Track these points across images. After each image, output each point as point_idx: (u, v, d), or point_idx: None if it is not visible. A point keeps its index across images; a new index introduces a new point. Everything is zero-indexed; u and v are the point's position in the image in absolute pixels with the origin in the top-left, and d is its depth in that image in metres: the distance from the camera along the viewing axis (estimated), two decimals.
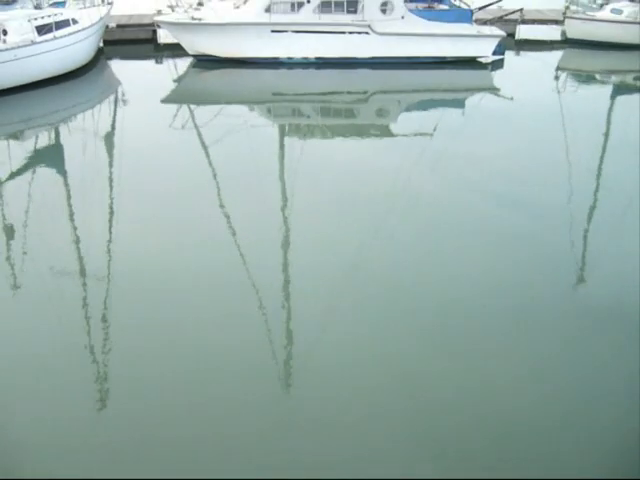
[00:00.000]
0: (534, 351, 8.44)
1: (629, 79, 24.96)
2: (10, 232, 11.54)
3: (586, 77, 25.00)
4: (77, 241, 11.17)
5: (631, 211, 12.42)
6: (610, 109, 20.59)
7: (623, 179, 14.13)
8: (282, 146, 16.39)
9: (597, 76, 25.40)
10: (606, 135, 17.44)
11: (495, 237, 11.35)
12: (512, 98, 20.53)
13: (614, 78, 25.22)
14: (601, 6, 28.61)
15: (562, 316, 9.16)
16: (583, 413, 7.45)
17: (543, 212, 12.28)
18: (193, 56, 23.23)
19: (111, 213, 12.20)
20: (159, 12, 23.62)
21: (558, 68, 25.12)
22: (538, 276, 10.15)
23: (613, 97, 22.53)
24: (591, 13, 27.61)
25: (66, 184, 13.89)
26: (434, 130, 17.28)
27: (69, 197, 13.08)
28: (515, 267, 10.39)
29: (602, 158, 15.63)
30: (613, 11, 26.95)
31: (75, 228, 11.67)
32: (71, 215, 12.21)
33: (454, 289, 9.73)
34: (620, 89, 23.66)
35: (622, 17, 26.46)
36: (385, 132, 17.85)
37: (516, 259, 10.62)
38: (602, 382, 7.94)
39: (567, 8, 28.01)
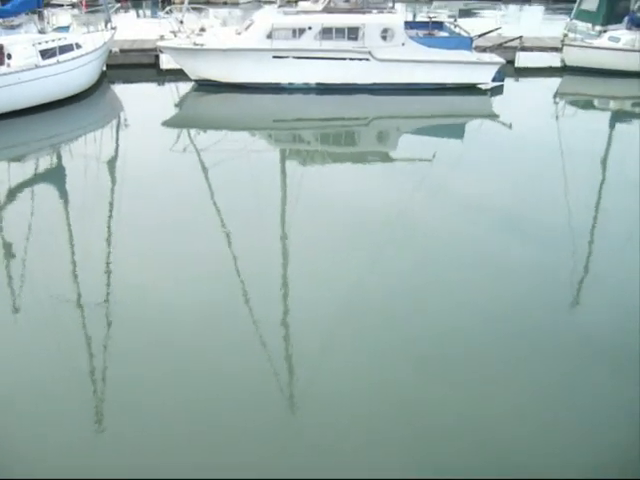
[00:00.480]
0: (533, 379, 8.52)
1: (627, 106, 25.15)
2: (9, 256, 11.59)
3: (584, 104, 25.19)
4: (76, 266, 11.23)
5: (630, 239, 12.51)
6: (609, 135, 20.74)
7: (622, 206, 14.20)
8: (282, 172, 16.49)
9: (595, 103, 25.58)
10: (604, 162, 17.56)
11: (494, 265, 11.42)
12: (511, 125, 20.67)
13: (612, 105, 25.41)
14: (599, 34, 28.86)
15: (561, 344, 9.25)
16: (583, 441, 7.51)
17: (542, 240, 12.35)
18: (195, 81, 23.39)
19: (111, 238, 12.26)
20: (162, 37, 23.76)
21: (557, 95, 25.30)
22: (536, 304, 10.22)
23: (611, 123, 22.69)
24: (589, 41, 27.82)
25: (66, 208, 13.97)
26: (433, 156, 17.40)
27: (69, 221, 13.16)
28: (513, 295, 10.47)
29: (601, 185, 15.74)
30: (611, 39, 27.17)
31: (75, 253, 11.73)
32: (71, 239, 12.28)
33: (452, 317, 9.80)
34: (618, 116, 23.82)
35: (620, 45, 26.67)
36: (385, 158, 17.97)
37: (514, 287, 10.71)
38: (602, 409, 8.01)
39: (565, 36, 28.23)
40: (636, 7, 27.87)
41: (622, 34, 27.06)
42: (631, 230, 12.85)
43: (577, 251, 12.01)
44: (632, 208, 13.90)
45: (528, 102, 23.93)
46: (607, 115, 24.22)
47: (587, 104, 25.22)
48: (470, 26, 26.42)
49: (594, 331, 9.57)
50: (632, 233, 12.69)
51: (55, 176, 16.27)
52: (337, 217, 13.17)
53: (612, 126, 22.35)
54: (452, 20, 25.80)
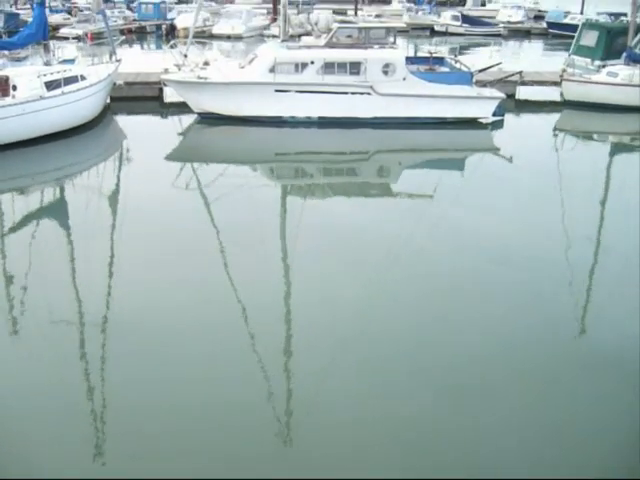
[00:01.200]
0: (539, 407, 8.60)
1: (626, 140, 25.38)
2: (12, 284, 11.70)
3: (584, 138, 25.43)
4: (78, 294, 11.34)
5: (630, 268, 12.61)
6: (607, 169, 20.92)
7: (621, 237, 14.35)
8: (284, 205, 16.60)
9: (594, 137, 25.84)
10: (604, 195, 17.67)
11: (496, 296, 11.54)
12: (511, 158, 20.83)
13: (611, 139, 25.67)
14: (598, 69, 29.19)
15: (565, 371, 9.34)
16: (588, 466, 7.60)
17: (543, 271, 12.44)
18: (198, 114, 23.61)
19: (112, 268, 12.34)
20: (166, 70, 24.05)
21: (556, 129, 25.54)
22: (540, 333, 10.34)
23: (610, 157, 22.90)
24: (588, 76, 28.13)
25: (69, 238, 14.09)
26: (434, 190, 17.51)
27: (71, 251, 13.29)
28: (516, 325, 10.58)
29: (601, 217, 15.87)
30: (609, 74, 27.46)
31: (76, 283, 11.79)
32: (72, 269, 12.35)
33: (455, 347, 9.89)
34: (617, 150, 24.06)
35: (618, 80, 26.96)
36: (386, 192, 18.09)
37: (517, 317, 10.83)
38: (606, 435, 8.11)
39: (564, 71, 28.57)
40: (633, 43, 28.21)
41: (620, 69, 27.38)
42: (631, 261, 12.93)
43: (579, 282, 12.11)
44: (631, 240, 13.98)
45: (528, 136, 24.14)
46: (606, 149, 24.45)
47: (586, 138, 25.46)
48: (471, 61, 26.80)
49: (597, 357, 9.72)
50: (632, 264, 12.76)
51: (58, 207, 16.38)
52: (338, 249, 13.24)
53: (611, 160, 22.55)
54: (453, 55, 26.08)
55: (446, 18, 61.31)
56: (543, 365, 9.53)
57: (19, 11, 49.19)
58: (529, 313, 10.96)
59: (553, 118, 26.79)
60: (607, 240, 14.37)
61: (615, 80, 27.00)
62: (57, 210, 16.17)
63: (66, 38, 40.52)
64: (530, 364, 9.55)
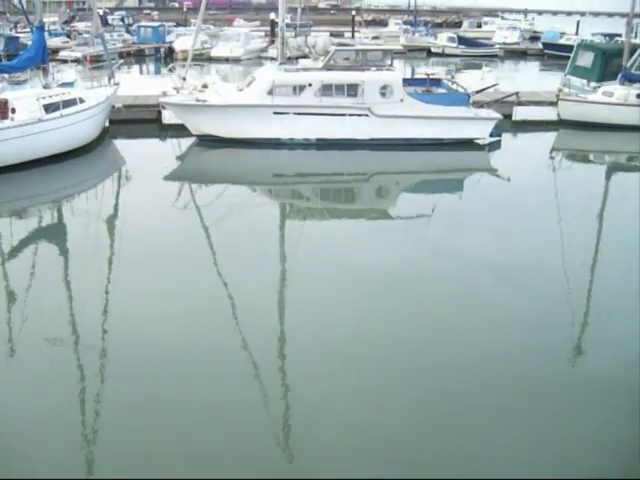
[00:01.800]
0: (534, 427, 8.59)
1: (622, 159, 25.54)
2: (9, 305, 11.74)
3: (580, 157, 25.59)
4: (76, 316, 11.44)
5: (627, 288, 12.63)
6: (604, 188, 21.04)
7: (619, 257, 14.38)
8: (282, 226, 16.64)
9: (591, 156, 26.00)
10: (602, 214, 17.74)
11: (494, 318, 11.57)
12: (509, 179, 20.90)
13: (607, 158, 25.81)
14: (594, 89, 29.41)
15: (560, 391, 9.38)
16: None
17: (542, 293, 12.46)
18: (196, 136, 23.69)
19: (110, 289, 12.38)
20: (164, 93, 24.18)
21: (553, 149, 25.68)
22: (536, 353, 10.37)
23: (607, 176, 23.05)
24: (583, 95, 28.34)
25: (67, 260, 14.16)
26: (433, 211, 17.58)
27: (69, 273, 13.33)
28: (514, 347, 10.58)
29: (599, 238, 15.91)
30: (605, 93, 27.69)
31: (74, 303, 11.92)
32: (70, 290, 12.46)
33: (453, 369, 9.92)
34: (613, 168, 24.19)
35: (613, 99, 27.17)
36: (384, 213, 18.13)
37: (515, 339, 10.83)
38: (601, 456, 8.12)
39: (560, 91, 28.78)
40: (629, 64, 28.44)
41: (615, 89, 27.61)
42: (629, 281, 12.97)
43: (576, 303, 12.13)
44: (629, 259, 14.05)
45: (525, 156, 24.28)
46: (603, 168, 24.58)
47: (583, 157, 25.62)
48: (467, 82, 26.96)
49: (593, 378, 9.75)
50: (630, 284, 12.80)
51: (56, 229, 16.44)
52: (337, 270, 13.27)
53: (608, 179, 22.69)
54: (450, 77, 26.23)
55: (442, 40, 61.78)
56: (540, 383, 9.55)
57: (19, 34, 49.54)
58: (527, 332, 10.98)
59: (550, 138, 26.94)
60: (605, 259, 14.37)
61: (611, 100, 27.22)
62: (55, 232, 16.22)
63: (65, 61, 40.73)
64: (528, 382, 9.56)
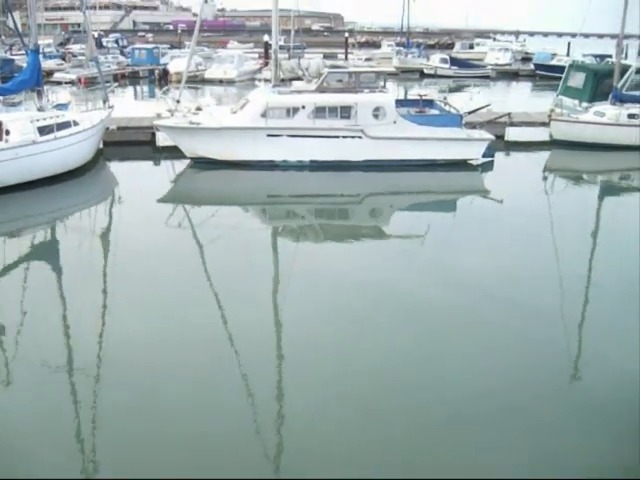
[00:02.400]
0: (531, 450, 8.54)
1: (615, 178, 25.67)
2: (2, 327, 11.72)
3: (573, 177, 25.65)
4: (69, 336, 11.45)
5: (623, 310, 12.62)
6: (597, 208, 21.14)
7: (614, 278, 14.38)
8: (276, 248, 16.67)
9: (583, 176, 26.09)
10: (595, 234, 17.81)
11: (487, 338, 11.55)
12: (502, 199, 20.97)
13: (600, 177, 25.93)
14: (585, 109, 29.65)
15: (558, 414, 9.32)
16: None
17: (537, 314, 12.45)
18: (190, 158, 23.74)
19: (104, 312, 12.41)
20: (158, 116, 24.28)
21: (546, 169, 25.78)
22: (533, 375, 10.35)
23: (600, 196, 23.14)
24: (575, 115, 28.57)
25: (60, 282, 14.14)
26: (426, 232, 17.61)
27: (62, 294, 13.36)
28: (509, 368, 10.58)
29: (593, 258, 15.94)
30: (596, 113, 27.94)
31: (68, 323, 11.96)
32: (65, 310, 12.53)
33: (448, 389, 9.88)
34: (606, 188, 24.30)
35: (605, 119, 27.41)
36: (378, 234, 18.16)
37: (509, 359, 10.83)
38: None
39: (552, 111, 29.01)
40: (620, 84, 28.72)
41: (607, 109, 27.87)
42: (625, 303, 12.93)
43: (571, 324, 12.13)
44: (624, 280, 14.06)
45: (518, 177, 24.40)
46: (595, 188, 24.69)
47: (575, 177, 25.71)
48: (460, 103, 27.14)
49: (591, 400, 9.72)
50: (626, 306, 12.76)
51: (50, 251, 16.41)
52: (330, 292, 13.28)
53: (601, 198, 22.78)
54: (442, 98, 26.41)
55: (435, 61, 62.35)
56: (536, 407, 9.50)
57: (14, 57, 49.77)
58: (521, 355, 10.95)
59: (542, 158, 27.10)
60: (600, 280, 14.38)
61: (602, 120, 27.45)
62: (49, 253, 16.20)
63: (59, 83, 40.92)
64: (523, 406, 9.51)
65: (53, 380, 10.06)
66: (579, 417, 9.32)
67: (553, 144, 27.95)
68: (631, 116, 27.17)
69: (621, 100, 28.27)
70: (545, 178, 24.77)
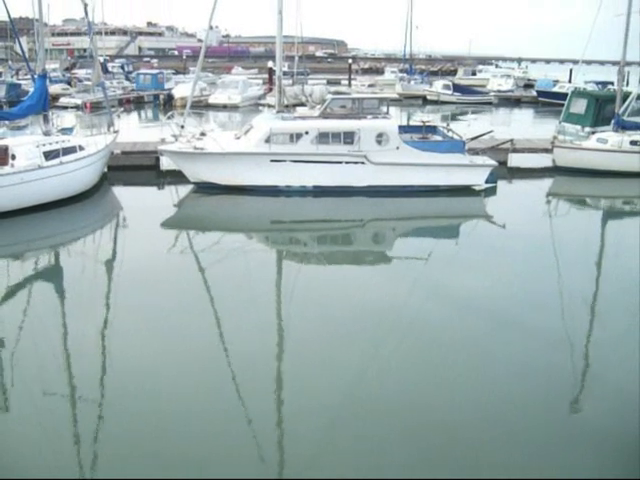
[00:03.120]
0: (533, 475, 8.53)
1: (618, 205, 25.69)
2: (5, 351, 11.75)
3: (576, 203, 25.71)
4: (71, 362, 11.40)
5: (625, 335, 12.62)
6: (601, 234, 21.13)
7: (617, 303, 14.37)
8: (280, 273, 16.66)
9: (587, 202, 26.15)
10: (599, 261, 17.79)
11: (490, 363, 11.53)
12: (505, 225, 21.00)
13: (603, 204, 25.97)
14: (588, 135, 29.80)
15: (559, 440, 9.26)
16: None
17: (538, 338, 12.43)
18: (194, 183, 23.84)
19: (108, 336, 12.41)
20: (163, 141, 24.43)
21: (549, 195, 25.85)
22: (535, 401, 10.29)
23: (603, 222, 23.14)
24: (578, 142, 28.70)
25: (64, 307, 14.14)
26: (429, 257, 17.61)
27: (65, 318, 13.36)
28: (512, 392, 10.55)
29: (596, 283, 15.91)
30: (599, 140, 28.06)
31: (70, 348, 11.89)
32: (67, 335, 12.46)
33: (450, 414, 9.85)
34: (610, 215, 24.28)
35: (607, 146, 27.53)
36: (381, 259, 18.18)
37: (512, 384, 10.81)
38: None
39: (555, 138, 29.15)
40: (621, 111, 28.88)
41: (609, 136, 27.99)
42: (626, 328, 12.93)
43: (574, 348, 12.09)
44: (627, 306, 14.01)
45: (521, 202, 24.41)
46: (598, 214, 24.69)
47: (578, 203, 25.78)
48: (463, 130, 27.28)
49: (594, 427, 9.65)
50: (628, 332, 12.75)
51: (53, 275, 16.40)
52: (334, 316, 13.26)
53: (604, 225, 22.77)
54: (445, 124, 26.54)
55: (438, 87, 62.75)
56: (537, 433, 9.44)
57: (20, 81, 50.27)
58: (524, 380, 10.91)
59: (545, 184, 27.17)
60: (602, 306, 14.39)
61: (605, 146, 27.58)
62: (52, 278, 16.20)
63: (65, 108, 41.25)
64: (525, 431, 9.47)
65: (54, 405, 10.02)
66: (579, 442, 9.28)
67: (556, 170, 28.03)
68: (633, 143, 27.30)
69: (623, 127, 28.43)
70: (548, 203, 24.81)
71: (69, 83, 58.01)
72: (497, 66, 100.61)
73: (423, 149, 23.62)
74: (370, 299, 14.26)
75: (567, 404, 10.37)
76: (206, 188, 23.55)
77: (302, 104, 26.08)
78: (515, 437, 9.37)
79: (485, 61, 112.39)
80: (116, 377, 10.82)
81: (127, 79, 62.64)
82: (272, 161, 22.94)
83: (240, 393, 10.29)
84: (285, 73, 30.56)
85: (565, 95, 36.86)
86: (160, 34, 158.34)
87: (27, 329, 12.75)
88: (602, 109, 31.45)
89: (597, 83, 57.85)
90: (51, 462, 8.71)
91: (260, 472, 8.53)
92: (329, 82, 45.83)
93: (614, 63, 63.08)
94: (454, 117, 38.95)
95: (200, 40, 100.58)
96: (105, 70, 55.69)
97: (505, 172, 27.23)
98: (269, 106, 37.50)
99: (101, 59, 51.43)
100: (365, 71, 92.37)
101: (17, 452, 8.93)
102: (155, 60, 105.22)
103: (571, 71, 72.60)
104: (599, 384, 11.01)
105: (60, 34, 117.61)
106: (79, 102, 43.92)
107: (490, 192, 24.30)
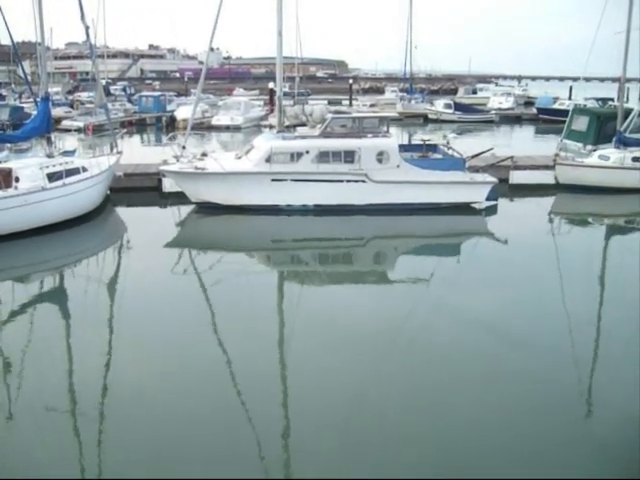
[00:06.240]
0: None
1: (620, 222, 25.64)
2: (9, 372, 11.78)
3: (578, 220, 25.68)
4: (74, 383, 11.44)
5: (629, 350, 12.58)
6: (603, 251, 21.07)
7: (620, 319, 14.34)
8: (281, 292, 16.67)
9: (589, 219, 26.11)
10: (602, 277, 17.76)
11: (495, 380, 11.50)
12: (507, 242, 20.99)
13: (606, 221, 25.90)
14: (590, 152, 29.85)
15: (566, 456, 9.26)
16: None
17: (543, 354, 12.44)
18: (196, 203, 23.92)
19: (111, 356, 12.43)
20: (165, 162, 24.54)
21: (551, 212, 25.83)
22: (541, 417, 10.26)
23: (605, 239, 23.09)
24: (580, 159, 28.72)
25: (67, 327, 14.23)
26: (430, 276, 17.60)
27: (69, 340, 13.35)
28: (516, 408, 10.52)
29: (600, 300, 15.90)
30: (601, 157, 28.11)
31: (74, 369, 11.98)
32: (71, 356, 12.50)
33: (454, 428, 9.86)
34: (612, 232, 24.22)
35: (609, 163, 27.57)
36: (382, 277, 18.18)
37: (516, 400, 10.77)
38: None
39: (557, 155, 29.18)
40: (623, 128, 28.97)
41: (611, 153, 28.03)
42: (631, 343, 12.90)
43: (579, 364, 12.10)
44: (630, 321, 13.97)
45: (523, 220, 24.38)
46: (601, 231, 24.64)
47: (581, 221, 25.73)
48: (463, 147, 27.33)
49: (601, 444, 9.60)
50: (632, 346, 12.72)
51: (56, 297, 16.44)
52: (335, 336, 13.25)
53: (607, 242, 22.72)
54: (445, 142, 26.59)
55: (439, 106, 63.09)
56: (544, 447, 9.41)
57: (23, 104, 50.61)
58: (529, 397, 10.88)
59: (547, 202, 27.15)
60: (606, 322, 14.37)
61: (607, 163, 27.62)
62: (56, 299, 16.24)
63: (68, 130, 41.44)
64: (531, 447, 9.42)
65: (58, 424, 10.07)
66: (586, 459, 9.25)
67: (558, 187, 28.02)
68: (635, 159, 27.33)
69: (625, 144, 28.48)
70: (550, 221, 24.80)
71: (71, 106, 58.36)
72: (497, 84, 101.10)
73: (423, 167, 23.67)
74: (372, 318, 14.24)
75: (573, 419, 10.32)
76: (207, 208, 23.60)
77: (303, 124, 26.21)
78: (520, 454, 9.33)
79: (485, 79, 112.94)
80: (119, 397, 10.80)
81: (129, 101, 63.01)
82: (273, 180, 23.00)
83: (243, 413, 10.28)
84: (286, 94, 30.73)
85: (565, 112, 37.04)
86: (162, 56, 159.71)
87: (31, 350, 12.75)
88: (603, 126, 31.60)
89: (597, 99, 58.03)
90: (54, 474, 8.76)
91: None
92: (330, 102, 46.01)
93: (614, 80, 63.44)
94: (457, 135, 39.04)
95: (201, 62, 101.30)
96: (107, 93, 56.04)
97: (507, 189, 27.22)
98: (271, 127, 37.62)
99: (103, 82, 51.81)
100: (366, 91, 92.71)
101: (19, 467, 8.97)
102: (157, 82, 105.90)
103: (571, 88, 72.97)
104: (605, 399, 10.94)
105: (63, 57, 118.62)
106: (81, 125, 44.15)
107: (491, 210, 24.30)
